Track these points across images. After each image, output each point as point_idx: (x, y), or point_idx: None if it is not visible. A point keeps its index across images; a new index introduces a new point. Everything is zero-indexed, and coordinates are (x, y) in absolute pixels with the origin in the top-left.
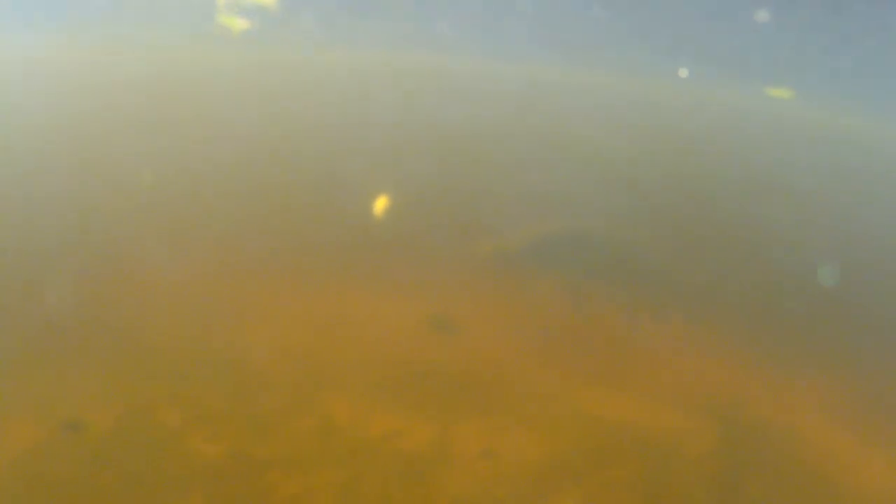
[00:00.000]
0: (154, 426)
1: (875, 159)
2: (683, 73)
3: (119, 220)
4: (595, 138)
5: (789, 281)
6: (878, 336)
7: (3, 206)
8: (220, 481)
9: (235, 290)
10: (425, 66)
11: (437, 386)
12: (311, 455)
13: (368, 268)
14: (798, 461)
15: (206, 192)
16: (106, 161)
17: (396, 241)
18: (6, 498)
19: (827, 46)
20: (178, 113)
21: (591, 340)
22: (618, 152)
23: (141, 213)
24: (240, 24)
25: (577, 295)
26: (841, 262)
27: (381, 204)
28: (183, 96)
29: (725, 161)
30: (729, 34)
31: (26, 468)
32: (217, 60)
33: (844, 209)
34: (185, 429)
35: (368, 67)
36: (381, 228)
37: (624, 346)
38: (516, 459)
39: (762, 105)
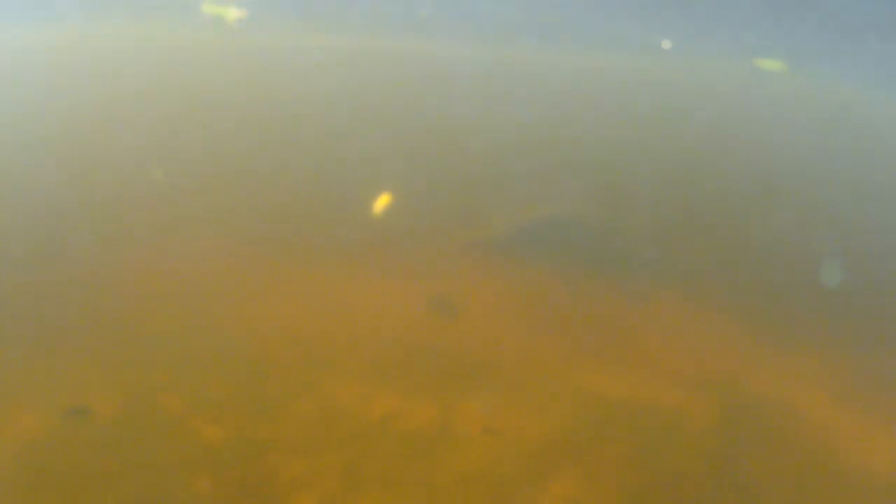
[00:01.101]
0: (158, 411)
1: (873, 136)
2: (666, 44)
3: (119, 209)
4: (579, 119)
5: (786, 260)
6: (880, 313)
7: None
8: (225, 464)
9: (234, 278)
10: (408, 51)
11: (437, 367)
12: (314, 437)
13: (366, 253)
14: (798, 438)
15: (203, 179)
16: (104, 151)
17: (393, 227)
18: (15, 481)
19: (820, 15)
20: (174, 102)
21: (588, 321)
22: (604, 134)
23: (141, 201)
24: (232, 12)
25: (573, 277)
26: (839, 239)
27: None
28: (178, 85)
29: (717, 140)
30: (716, 2)
31: (32, 453)
32: (208, 49)
33: (842, 186)
34: (188, 413)
35: (358, 53)
36: (378, 215)
37: (621, 326)
38: (517, 437)
39: (752, 78)
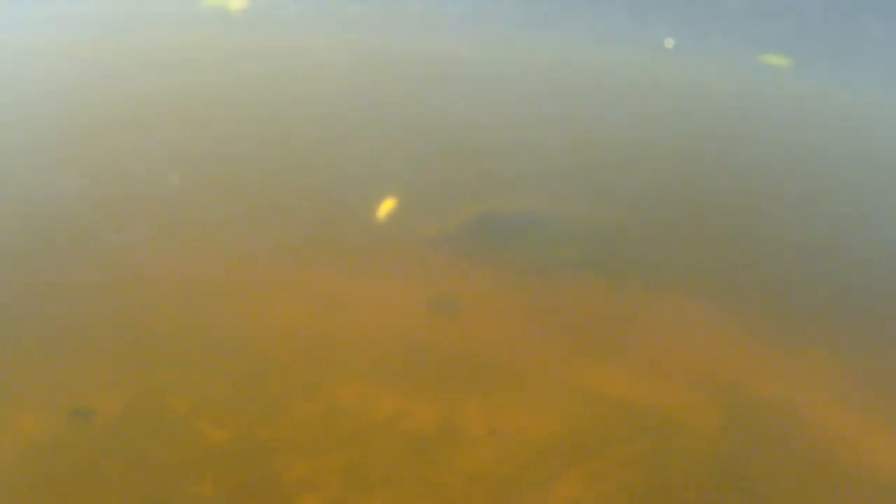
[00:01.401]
0: (161, 412)
1: (876, 135)
2: (669, 43)
3: (121, 209)
4: (580, 118)
5: (787, 260)
6: (881, 313)
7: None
8: (229, 466)
9: (236, 279)
10: (404, 50)
11: (438, 366)
12: (317, 437)
13: (368, 254)
14: (803, 440)
15: (205, 180)
16: (107, 152)
17: (392, 227)
18: (18, 482)
19: (825, 10)
20: (174, 99)
21: (592, 322)
22: (606, 132)
23: (142, 201)
24: (234, 2)
25: (576, 277)
26: (843, 239)
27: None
28: (177, 80)
29: (720, 138)
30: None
31: (35, 454)
32: (207, 43)
33: (843, 186)
34: (192, 414)
35: (360, 52)
36: (377, 215)
37: (624, 327)
38: (521, 438)
39: (757, 74)
